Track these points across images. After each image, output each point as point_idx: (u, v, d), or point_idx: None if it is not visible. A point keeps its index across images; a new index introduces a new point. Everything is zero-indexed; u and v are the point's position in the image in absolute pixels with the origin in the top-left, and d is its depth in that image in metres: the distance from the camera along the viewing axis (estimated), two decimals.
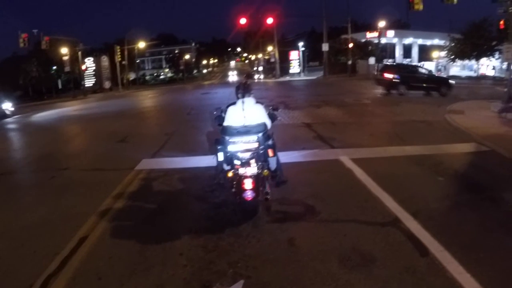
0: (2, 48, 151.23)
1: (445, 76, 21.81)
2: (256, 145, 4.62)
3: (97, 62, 52.17)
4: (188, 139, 10.01)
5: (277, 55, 52.03)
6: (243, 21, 31.64)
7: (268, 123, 5.06)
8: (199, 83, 57.99)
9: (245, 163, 4.45)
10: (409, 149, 7.74)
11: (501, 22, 24.84)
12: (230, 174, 4.59)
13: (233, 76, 71.31)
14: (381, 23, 41.37)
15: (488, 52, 32.50)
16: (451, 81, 19.55)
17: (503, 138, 8.24)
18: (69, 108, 25.09)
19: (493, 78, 31.82)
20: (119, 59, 47.61)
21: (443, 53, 39.62)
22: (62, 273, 3.60)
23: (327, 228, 4.30)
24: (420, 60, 47.71)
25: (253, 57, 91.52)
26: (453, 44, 34.76)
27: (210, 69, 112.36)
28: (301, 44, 56.64)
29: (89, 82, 49.46)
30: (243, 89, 5.01)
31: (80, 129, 14.45)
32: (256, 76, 60.11)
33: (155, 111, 19.54)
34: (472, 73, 35.66)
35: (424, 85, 18.50)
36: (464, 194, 5.29)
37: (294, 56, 55.67)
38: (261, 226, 4.38)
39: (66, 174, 7.34)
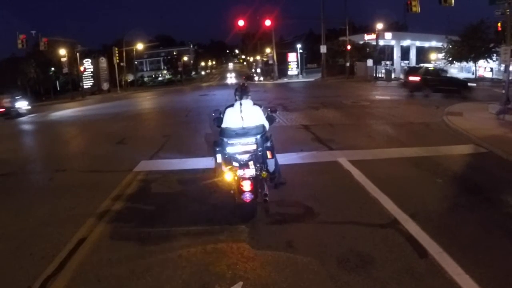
0: (0, 49, 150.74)
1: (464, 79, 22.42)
2: (254, 147, 4.63)
3: (95, 63, 52.06)
4: (186, 141, 10.00)
5: (275, 57, 52.07)
6: (241, 23, 31.69)
7: (266, 125, 5.07)
8: (197, 85, 58.03)
9: (244, 165, 4.45)
10: (408, 151, 7.75)
11: (499, 24, 25.03)
12: (228, 176, 4.60)
13: (231, 78, 71.33)
14: (379, 25, 41.49)
15: (485, 54, 32.59)
16: (470, 84, 19.99)
17: (501, 140, 8.27)
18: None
19: (491, 80, 31.91)
20: (117, 60, 47.58)
21: (441, 55, 39.72)
22: (60, 274, 3.59)
23: (325, 230, 4.30)
24: (418, 62, 47.83)
25: (251, 59, 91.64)
26: (450, 46, 34.88)
27: (208, 71, 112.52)
28: (299, 46, 56.79)
29: (87, 84, 49.36)
30: (241, 91, 5.02)
31: (78, 131, 14.41)
32: (256, 78, 60.16)
33: (153, 112, 19.53)
34: (470, 75, 35.76)
35: (447, 87, 18.90)
36: (463, 196, 5.30)
37: (292, 58, 55.82)
38: (260, 228, 4.38)
39: (64, 176, 7.32)
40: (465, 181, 6.00)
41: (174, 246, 4.03)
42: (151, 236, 4.32)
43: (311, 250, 3.82)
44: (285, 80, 50.60)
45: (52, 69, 47.96)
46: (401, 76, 30.12)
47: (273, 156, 4.88)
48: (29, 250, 4.15)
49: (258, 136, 4.72)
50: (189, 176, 6.60)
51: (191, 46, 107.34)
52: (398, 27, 54.97)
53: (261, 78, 59.96)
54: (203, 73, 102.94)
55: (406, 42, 48.29)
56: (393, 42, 47.61)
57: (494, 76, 33.07)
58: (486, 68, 35.16)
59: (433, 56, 47.74)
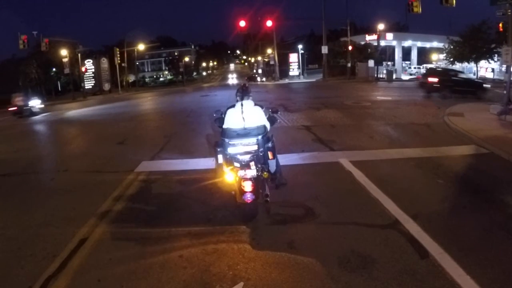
0: (2, 49, 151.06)
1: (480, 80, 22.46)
2: (255, 147, 4.63)
3: (96, 64, 52.18)
4: (188, 142, 10.00)
5: (276, 57, 52.11)
6: (242, 23, 31.78)
7: (268, 125, 5.07)
8: (199, 86, 58.04)
9: (245, 165, 4.45)
10: (409, 152, 7.74)
11: (500, 25, 24.98)
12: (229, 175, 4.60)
13: (232, 79, 71.33)
14: (380, 26, 41.49)
15: (487, 54, 32.58)
16: (485, 85, 20.06)
17: (502, 141, 8.25)
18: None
19: (492, 80, 31.87)
20: (119, 61, 47.67)
21: (442, 56, 39.66)
22: (61, 274, 3.60)
23: (326, 231, 4.30)
24: (419, 63, 47.82)
25: (252, 59, 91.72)
26: (452, 47, 34.84)
27: (209, 71, 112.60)
28: (300, 46, 56.84)
29: (88, 84, 49.45)
30: (242, 91, 5.03)
31: (80, 131, 14.43)
32: (258, 79, 60.18)
33: (154, 113, 19.53)
34: (471, 76, 35.73)
35: (464, 89, 18.97)
36: (464, 197, 5.29)
37: (294, 58, 55.83)
38: (261, 228, 4.38)
39: (66, 176, 7.34)
40: (466, 182, 5.99)
41: (175, 247, 4.03)
42: (152, 237, 4.32)
43: (312, 250, 3.81)
44: (286, 80, 50.61)
45: (54, 69, 47.97)
46: (418, 76, 29.87)
47: (274, 156, 4.88)
48: (30, 250, 4.16)
49: (260, 137, 4.72)
50: (190, 177, 6.60)
51: (193, 47, 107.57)
52: (400, 27, 54.96)
53: (263, 79, 60.00)
54: (204, 73, 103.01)
55: (407, 43, 48.30)
56: (394, 43, 47.62)
57: (496, 77, 33.02)
58: (487, 68, 35.10)
59: (434, 56, 47.68)
